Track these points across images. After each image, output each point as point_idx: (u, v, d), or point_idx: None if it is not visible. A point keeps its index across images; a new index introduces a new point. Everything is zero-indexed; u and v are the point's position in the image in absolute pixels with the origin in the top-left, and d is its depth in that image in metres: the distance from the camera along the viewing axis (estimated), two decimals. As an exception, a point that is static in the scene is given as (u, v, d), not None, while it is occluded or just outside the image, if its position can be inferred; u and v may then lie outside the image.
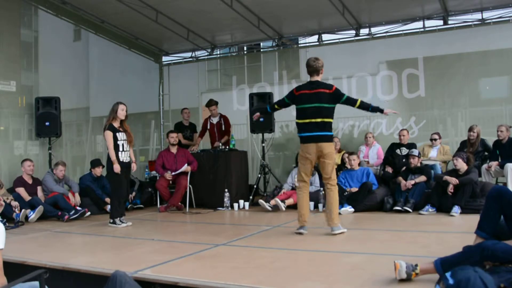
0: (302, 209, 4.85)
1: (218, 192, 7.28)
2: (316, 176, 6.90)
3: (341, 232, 4.66)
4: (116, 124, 5.86)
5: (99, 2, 8.08)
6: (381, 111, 4.78)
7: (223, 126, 8.17)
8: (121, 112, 5.86)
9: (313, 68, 4.77)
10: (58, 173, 6.96)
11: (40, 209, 6.25)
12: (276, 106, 5.24)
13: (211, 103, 8.17)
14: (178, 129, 8.53)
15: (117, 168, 5.70)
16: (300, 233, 4.77)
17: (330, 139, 4.76)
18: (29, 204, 6.41)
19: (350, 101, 4.79)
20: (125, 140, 5.86)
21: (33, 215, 6.17)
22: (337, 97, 4.75)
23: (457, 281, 2.38)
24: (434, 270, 2.78)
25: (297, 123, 4.90)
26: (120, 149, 5.81)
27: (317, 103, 4.69)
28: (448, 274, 2.51)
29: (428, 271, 2.82)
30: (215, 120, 8.26)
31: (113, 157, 5.72)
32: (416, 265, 2.84)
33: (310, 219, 5.96)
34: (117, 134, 5.80)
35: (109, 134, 5.75)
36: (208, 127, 8.32)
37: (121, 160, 5.79)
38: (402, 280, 2.84)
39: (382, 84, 8.66)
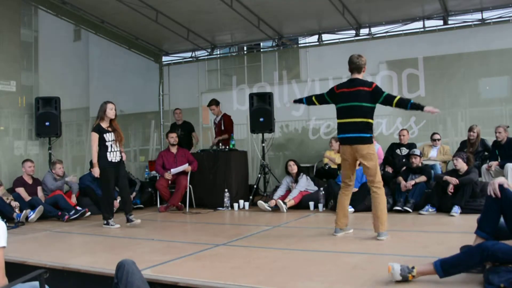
0: (337, 210, 4.69)
1: (218, 192, 7.27)
2: (304, 179, 6.90)
3: (386, 238, 4.41)
4: (104, 124, 5.80)
5: (99, 2, 8.08)
6: (421, 108, 4.32)
7: (222, 126, 8.19)
8: (110, 112, 5.79)
9: (355, 65, 4.54)
10: (58, 172, 6.97)
11: (40, 209, 6.25)
12: (314, 99, 4.86)
13: (210, 103, 8.24)
14: (171, 129, 8.60)
15: (96, 171, 5.75)
16: (334, 235, 4.64)
17: (367, 140, 4.42)
18: (29, 204, 6.41)
19: (388, 100, 4.40)
20: (113, 140, 5.81)
21: (33, 215, 6.16)
22: (376, 95, 4.41)
23: None
24: (434, 272, 2.76)
25: (337, 123, 4.66)
26: (109, 149, 5.77)
27: (355, 101, 4.43)
28: None
29: (427, 272, 2.80)
30: (217, 120, 8.32)
31: (95, 160, 5.74)
32: (413, 268, 2.82)
33: (310, 219, 5.98)
34: (105, 135, 5.76)
35: (94, 135, 5.73)
36: (214, 127, 8.46)
37: (109, 160, 5.76)
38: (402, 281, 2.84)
39: (382, 84, 8.59)
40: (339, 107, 4.59)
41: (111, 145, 5.79)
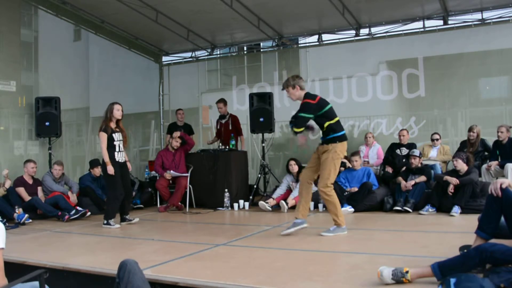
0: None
1: (218, 192, 7.28)
2: None
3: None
4: (112, 125, 5.85)
5: (99, 2, 8.08)
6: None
7: (230, 126, 8.18)
8: (117, 112, 5.85)
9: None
10: (54, 173, 6.98)
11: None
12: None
13: (218, 101, 8.24)
14: (171, 129, 8.51)
15: (110, 169, 5.70)
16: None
17: None
18: (29, 204, 6.41)
19: None
20: (121, 140, 5.89)
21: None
22: None
23: None
24: (432, 274, 2.74)
25: (332, 124, 4.96)
26: (116, 149, 5.82)
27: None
28: (452, 281, 2.48)
29: (424, 275, 2.79)
30: (223, 120, 8.29)
31: (106, 159, 5.72)
32: (407, 272, 2.80)
33: (310, 219, 5.97)
34: (113, 134, 5.81)
35: (103, 135, 5.75)
36: (218, 127, 8.40)
37: (117, 160, 5.81)
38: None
39: (382, 84, 8.66)
40: (331, 107, 5.01)
41: (119, 145, 5.86)
